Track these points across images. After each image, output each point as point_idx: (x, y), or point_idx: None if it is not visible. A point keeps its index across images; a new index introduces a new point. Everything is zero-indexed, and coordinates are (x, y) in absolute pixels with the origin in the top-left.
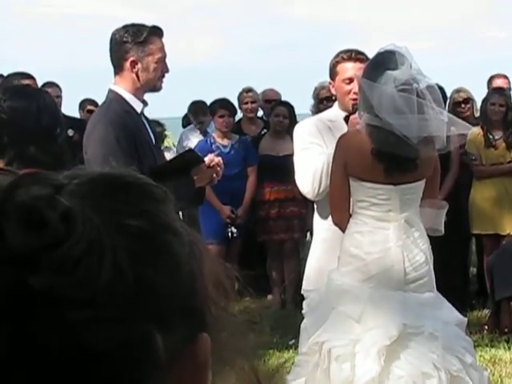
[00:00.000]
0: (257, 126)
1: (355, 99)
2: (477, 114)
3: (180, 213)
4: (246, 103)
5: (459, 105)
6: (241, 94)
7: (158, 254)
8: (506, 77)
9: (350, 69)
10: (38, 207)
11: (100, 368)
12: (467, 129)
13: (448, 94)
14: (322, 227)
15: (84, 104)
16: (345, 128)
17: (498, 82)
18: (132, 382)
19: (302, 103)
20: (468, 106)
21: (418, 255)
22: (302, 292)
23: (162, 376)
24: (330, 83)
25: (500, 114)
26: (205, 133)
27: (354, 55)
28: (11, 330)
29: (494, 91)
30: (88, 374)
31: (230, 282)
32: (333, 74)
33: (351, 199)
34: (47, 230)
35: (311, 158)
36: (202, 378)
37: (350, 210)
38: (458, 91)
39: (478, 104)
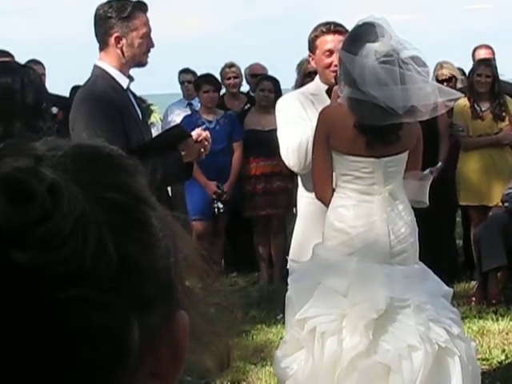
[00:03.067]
0: (240, 101)
1: (336, 71)
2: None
3: (169, 189)
4: (229, 78)
5: (441, 83)
6: (223, 69)
7: (137, 227)
8: (489, 47)
9: (329, 41)
10: (24, 179)
11: (75, 349)
12: (454, 95)
13: (432, 68)
14: (306, 201)
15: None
16: (327, 101)
17: (482, 53)
18: (103, 367)
19: (289, 78)
20: (450, 84)
21: (403, 228)
22: (288, 266)
23: (136, 361)
24: (309, 56)
25: (487, 85)
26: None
27: (333, 27)
28: None
29: (480, 62)
30: (63, 354)
31: (205, 261)
32: (312, 47)
33: (334, 173)
34: (34, 203)
35: (295, 131)
36: (179, 356)
37: (334, 184)
38: (441, 67)
39: (462, 77)
